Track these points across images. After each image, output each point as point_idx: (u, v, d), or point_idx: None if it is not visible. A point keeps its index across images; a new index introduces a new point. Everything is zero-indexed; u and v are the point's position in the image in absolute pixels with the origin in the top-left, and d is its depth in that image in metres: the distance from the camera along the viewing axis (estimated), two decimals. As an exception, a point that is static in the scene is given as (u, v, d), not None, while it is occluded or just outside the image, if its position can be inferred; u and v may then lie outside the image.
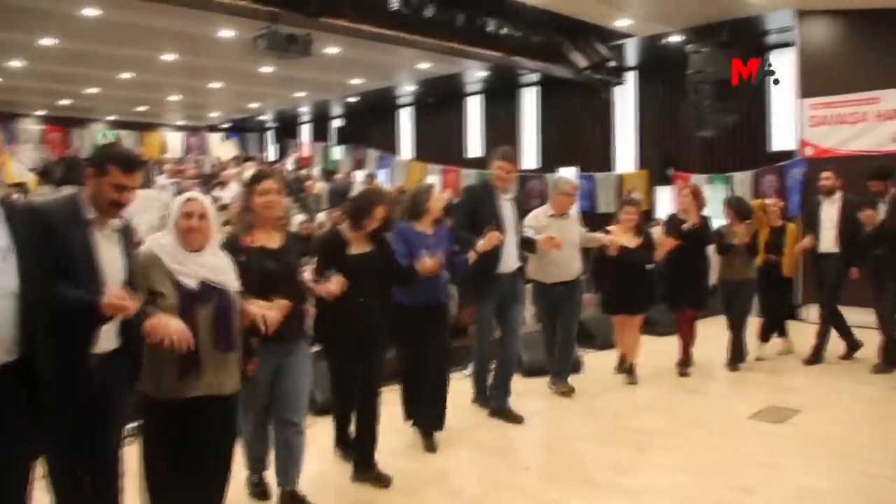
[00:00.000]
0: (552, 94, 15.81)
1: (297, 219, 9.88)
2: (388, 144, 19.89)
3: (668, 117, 13.86)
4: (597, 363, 7.43)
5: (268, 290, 3.62)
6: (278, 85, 16.88)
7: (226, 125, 24.14)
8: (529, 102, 16.58)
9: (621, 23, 11.49)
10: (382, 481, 4.42)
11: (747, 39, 11.16)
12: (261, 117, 23.10)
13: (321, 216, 11.35)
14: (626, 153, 14.84)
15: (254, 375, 3.62)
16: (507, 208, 5.57)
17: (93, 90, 17.34)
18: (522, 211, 5.94)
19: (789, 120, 11.48)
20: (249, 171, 17.07)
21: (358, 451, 4.54)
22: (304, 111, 21.84)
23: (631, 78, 14.50)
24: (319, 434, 5.01)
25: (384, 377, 4.68)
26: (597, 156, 15.12)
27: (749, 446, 5.10)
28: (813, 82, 10.50)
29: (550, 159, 15.88)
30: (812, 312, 9.13)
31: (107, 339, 2.96)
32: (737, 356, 7.21)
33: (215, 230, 3.36)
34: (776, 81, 10.43)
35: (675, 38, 11.81)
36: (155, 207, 3.13)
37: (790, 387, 6.67)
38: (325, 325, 4.40)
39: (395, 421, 5.08)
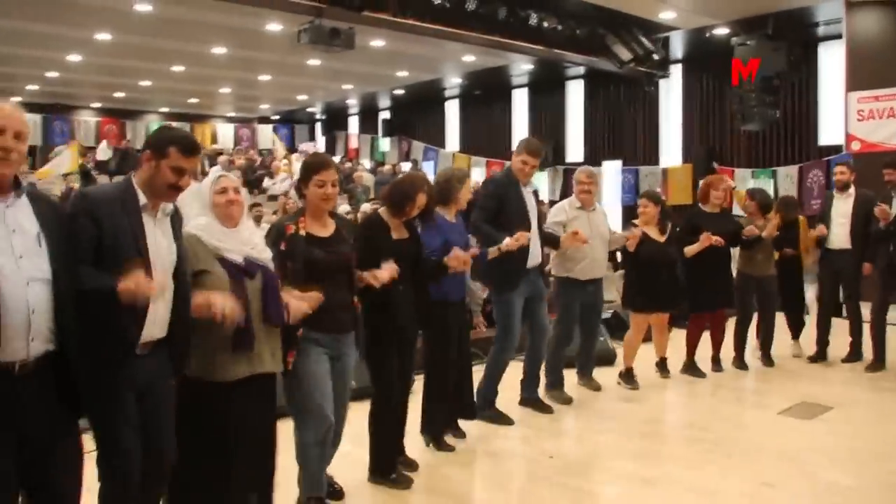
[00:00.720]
0: (598, 87, 15.77)
1: (342, 209, 10.03)
2: (435, 136, 20.02)
3: (713, 111, 13.73)
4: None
5: (315, 279, 3.49)
6: (325, 77, 17.13)
7: (275, 116, 24.50)
8: (575, 95, 16.55)
9: (666, 15, 11.42)
10: (404, 483, 4.29)
11: (795, 31, 11.00)
12: (309, 109, 23.42)
13: (366, 206, 11.51)
14: (671, 147, 14.74)
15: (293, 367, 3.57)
16: (530, 201, 5.49)
17: (146, 83, 17.80)
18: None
19: (838, 114, 11.29)
20: (297, 163, 17.46)
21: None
22: (352, 103, 22.09)
23: (677, 71, 14.38)
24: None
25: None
26: (642, 149, 15.05)
27: (776, 441, 5.08)
28: (861, 75, 10.31)
29: (595, 152, 15.85)
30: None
31: (158, 327, 2.88)
32: (768, 353, 7.12)
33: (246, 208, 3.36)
34: None
35: (720, 31, 11.69)
36: (197, 201, 3.18)
37: (824, 384, 6.59)
38: (369, 315, 4.05)
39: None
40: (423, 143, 19.92)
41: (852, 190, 7.02)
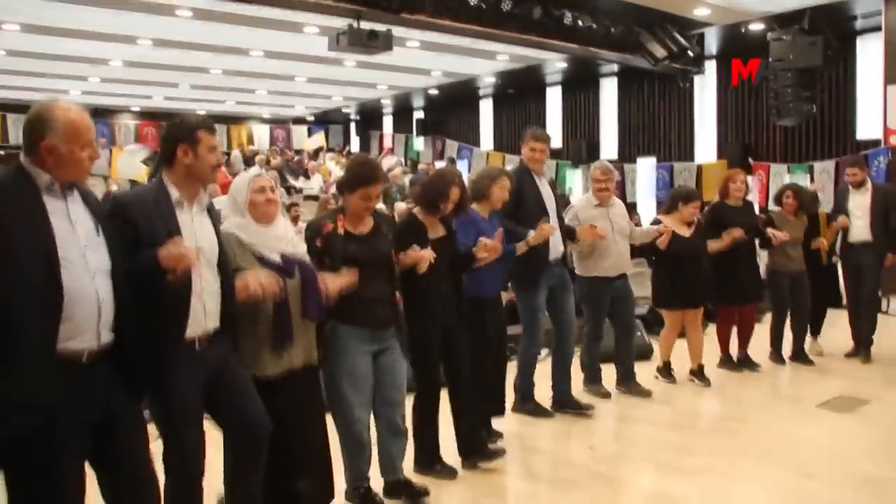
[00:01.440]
0: (632, 84, 15.74)
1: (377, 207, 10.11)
2: (469, 135, 20.10)
3: (748, 106, 13.66)
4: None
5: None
6: (360, 77, 17.26)
7: (310, 117, 24.74)
8: (609, 92, 16.54)
9: (700, 11, 11.38)
10: (448, 474, 4.36)
11: (832, 25, 10.91)
12: (344, 109, 23.59)
13: (401, 205, 11.62)
14: (705, 143, 14.68)
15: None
16: (547, 192, 5.44)
17: (184, 86, 18.09)
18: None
19: (876, 108, 11.19)
20: (331, 161, 17.65)
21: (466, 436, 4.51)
22: (386, 103, 22.21)
23: (711, 66, 14.32)
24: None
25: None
26: (676, 145, 15.00)
27: (814, 433, 5.14)
28: (899, 69, 10.21)
29: (630, 149, 15.85)
30: (893, 304, 9.01)
31: (211, 319, 2.98)
32: (801, 348, 7.12)
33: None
34: None
35: (756, 27, 11.64)
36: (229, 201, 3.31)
37: (864, 378, 6.58)
38: (411, 315, 4.08)
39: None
40: (457, 141, 20.02)
41: (868, 184, 7.07)
